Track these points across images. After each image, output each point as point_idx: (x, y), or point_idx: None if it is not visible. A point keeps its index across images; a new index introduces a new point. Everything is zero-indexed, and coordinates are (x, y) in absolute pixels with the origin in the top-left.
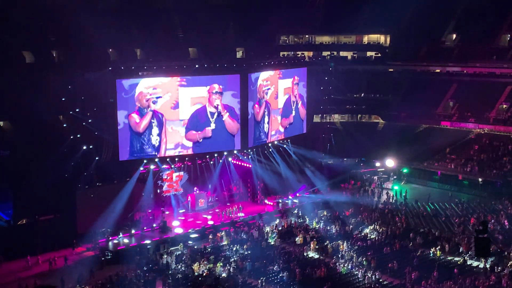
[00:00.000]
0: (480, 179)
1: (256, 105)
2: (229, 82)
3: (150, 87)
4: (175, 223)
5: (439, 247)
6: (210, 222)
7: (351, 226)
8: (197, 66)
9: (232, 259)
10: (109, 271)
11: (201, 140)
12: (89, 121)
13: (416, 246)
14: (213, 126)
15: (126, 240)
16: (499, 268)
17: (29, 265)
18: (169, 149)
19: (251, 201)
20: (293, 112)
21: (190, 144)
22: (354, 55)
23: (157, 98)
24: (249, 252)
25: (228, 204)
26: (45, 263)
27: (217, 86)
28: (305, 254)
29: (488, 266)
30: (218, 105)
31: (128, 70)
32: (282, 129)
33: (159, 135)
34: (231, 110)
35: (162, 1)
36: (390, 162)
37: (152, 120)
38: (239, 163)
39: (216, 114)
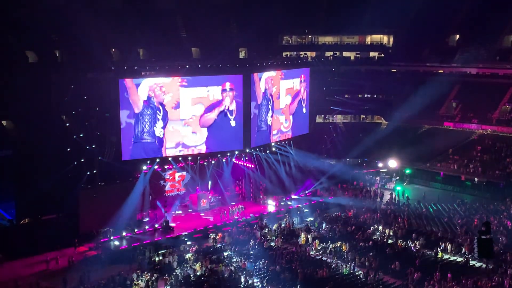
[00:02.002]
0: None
1: (254, 102)
2: (230, 82)
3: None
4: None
5: (441, 247)
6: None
7: (353, 227)
8: (199, 66)
9: (234, 259)
10: (111, 271)
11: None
12: (92, 121)
13: (419, 247)
14: (233, 123)
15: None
16: (502, 269)
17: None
18: (169, 148)
19: (253, 201)
20: (296, 110)
21: (191, 143)
22: (357, 56)
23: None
24: (251, 252)
25: (230, 204)
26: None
27: (228, 84)
28: (307, 254)
29: (490, 266)
30: (228, 106)
31: (131, 70)
32: (284, 129)
33: (163, 128)
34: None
35: (165, 2)
36: (393, 163)
37: (158, 112)
38: (242, 163)
39: (234, 112)
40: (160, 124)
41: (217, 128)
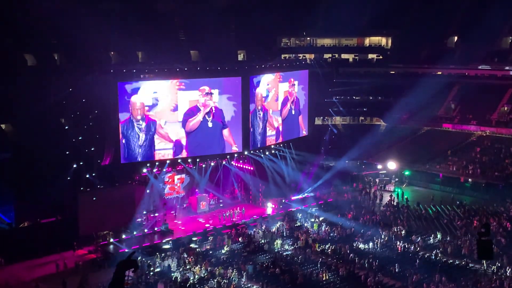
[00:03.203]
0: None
1: (252, 104)
2: (226, 85)
3: (150, 92)
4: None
5: (441, 249)
6: (208, 225)
7: (352, 229)
8: (198, 68)
9: (234, 262)
10: (110, 273)
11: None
12: (90, 124)
13: (418, 249)
14: (210, 124)
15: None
16: (502, 270)
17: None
18: (168, 148)
19: (253, 203)
20: (293, 113)
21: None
22: (356, 58)
23: (157, 100)
24: (250, 254)
25: (230, 206)
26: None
27: (207, 88)
28: (306, 256)
29: (490, 268)
30: (212, 108)
31: (129, 73)
32: (283, 131)
33: (149, 140)
34: (222, 115)
35: (163, 4)
36: (392, 165)
37: (138, 125)
38: (241, 166)
39: (211, 116)
40: (142, 137)
41: (200, 131)
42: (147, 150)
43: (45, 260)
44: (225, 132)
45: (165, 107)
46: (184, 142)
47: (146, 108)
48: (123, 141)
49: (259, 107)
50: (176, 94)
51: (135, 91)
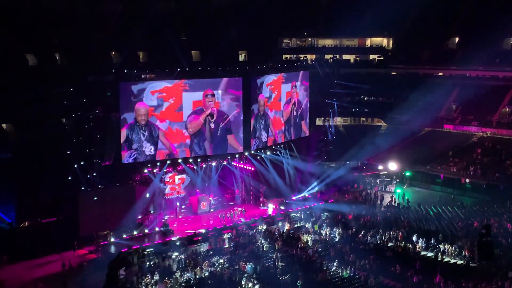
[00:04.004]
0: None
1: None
2: (228, 86)
3: (156, 92)
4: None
5: (441, 250)
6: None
7: (353, 230)
8: (200, 69)
9: (235, 262)
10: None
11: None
12: (91, 124)
13: (419, 250)
14: (212, 125)
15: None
16: (502, 271)
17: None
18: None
19: (254, 204)
20: (294, 113)
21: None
22: (357, 58)
23: (162, 101)
24: (251, 255)
25: (230, 207)
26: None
27: (210, 90)
28: (307, 257)
29: (491, 269)
30: (214, 110)
31: (131, 73)
32: (284, 132)
33: (153, 145)
34: (226, 119)
35: (164, 4)
36: (393, 166)
37: (143, 133)
38: (242, 166)
39: (214, 117)
40: (147, 144)
41: (202, 132)
42: (151, 153)
43: (45, 260)
44: (230, 138)
45: (169, 107)
46: (187, 142)
47: (151, 108)
48: (126, 143)
49: (261, 112)
50: (180, 95)
51: (141, 92)
